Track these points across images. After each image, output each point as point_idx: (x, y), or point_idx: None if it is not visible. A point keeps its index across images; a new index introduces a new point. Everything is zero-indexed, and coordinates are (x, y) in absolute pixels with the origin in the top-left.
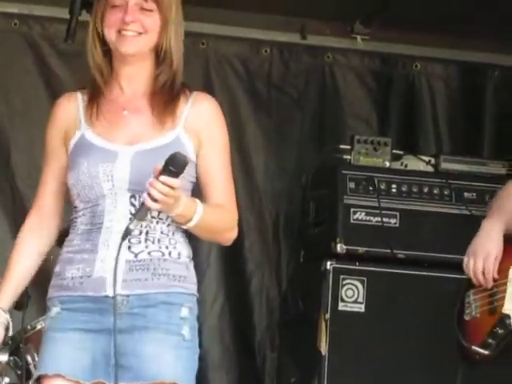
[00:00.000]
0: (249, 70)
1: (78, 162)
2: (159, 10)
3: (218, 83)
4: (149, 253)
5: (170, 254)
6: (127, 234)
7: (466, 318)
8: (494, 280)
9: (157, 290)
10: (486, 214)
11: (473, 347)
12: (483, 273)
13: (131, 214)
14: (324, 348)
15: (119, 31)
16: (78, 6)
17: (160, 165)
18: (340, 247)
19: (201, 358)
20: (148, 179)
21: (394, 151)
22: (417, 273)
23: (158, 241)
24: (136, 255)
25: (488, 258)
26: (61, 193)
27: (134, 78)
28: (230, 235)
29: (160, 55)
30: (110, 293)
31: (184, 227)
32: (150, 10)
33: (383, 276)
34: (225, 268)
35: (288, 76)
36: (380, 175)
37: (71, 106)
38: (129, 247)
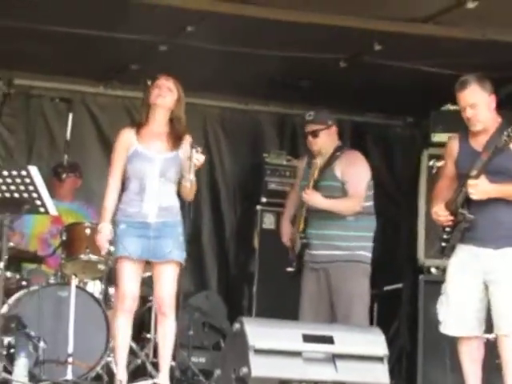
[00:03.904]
0: (223, 119)
1: (136, 160)
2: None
3: (210, 127)
4: (165, 203)
5: (172, 203)
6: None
7: None
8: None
9: (166, 219)
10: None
11: None
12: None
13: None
14: (256, 244)
15: (157, 96)
16: None
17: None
18: (264, 199)
19: None
20: (169, 171)
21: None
22: None
23: (167, 198)
24: (162, 204)
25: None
26: (122, 173)
27: (163, 121)
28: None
29: (174, 111)
30: (150, 220)
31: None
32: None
33: None
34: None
35: (237, 124)
36: (282, 168)
37: (129, 134)
38: (158, 199)
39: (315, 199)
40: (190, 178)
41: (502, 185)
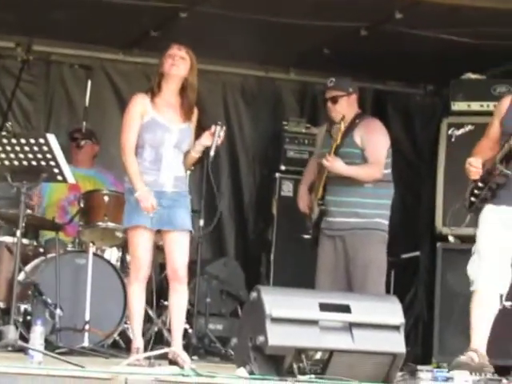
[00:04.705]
0: (243, 87)
1: (154, 129)
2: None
3: (230, 94)
4: (179, 173)
5: (184, 173)
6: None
7: None
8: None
9: (180, 189)
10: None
11: None
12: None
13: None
14: (275, 211)
15: (171, 65)
16: None
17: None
18: (282, 167)
19: None
20: (184, 142)
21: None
22: None
23: (180, 168)
24: (177, 174)
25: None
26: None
27: (175, 90)
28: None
29: (188, 79)
30: (166, 190)
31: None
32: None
33: None
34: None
35: (257, 92)
36: (301, 136)
37: (144, 101)
38: (174, 169)
39: (337, 166)
40: (212, 154)
41: None
